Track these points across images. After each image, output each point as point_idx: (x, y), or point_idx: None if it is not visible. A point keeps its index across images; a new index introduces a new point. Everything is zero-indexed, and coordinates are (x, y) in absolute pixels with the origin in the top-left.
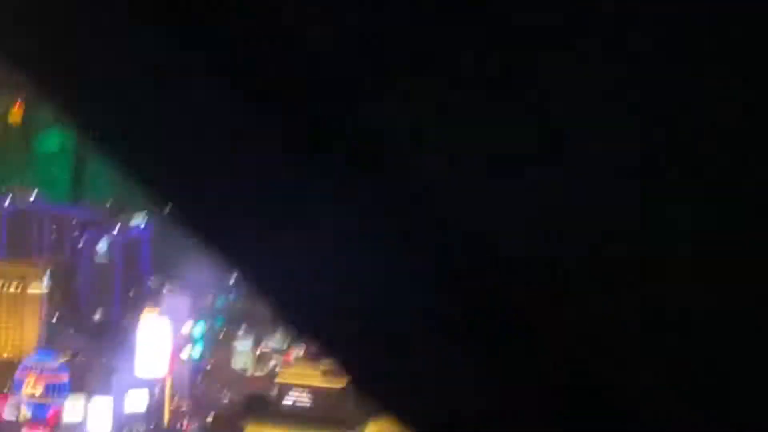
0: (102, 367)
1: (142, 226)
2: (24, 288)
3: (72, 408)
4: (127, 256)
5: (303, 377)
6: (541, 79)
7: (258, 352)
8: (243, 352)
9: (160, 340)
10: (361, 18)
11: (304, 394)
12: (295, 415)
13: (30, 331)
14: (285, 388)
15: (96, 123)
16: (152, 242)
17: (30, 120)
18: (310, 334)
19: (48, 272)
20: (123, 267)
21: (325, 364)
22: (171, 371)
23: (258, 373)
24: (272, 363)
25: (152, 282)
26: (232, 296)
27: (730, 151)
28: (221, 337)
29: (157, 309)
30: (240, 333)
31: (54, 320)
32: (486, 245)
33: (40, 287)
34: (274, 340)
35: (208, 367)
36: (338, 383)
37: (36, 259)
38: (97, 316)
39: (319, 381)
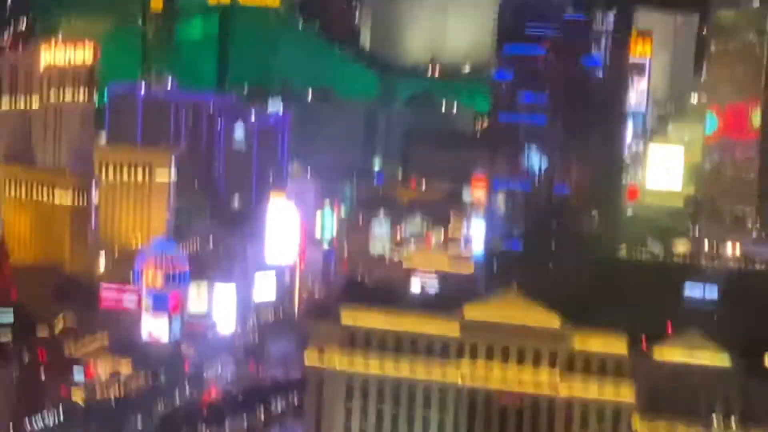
0: (227, 253)
1: (280, 112)
2: (150, 175)
3: (196, 296)
4: (264, 143)
5: (431, 263)
6: None
7: (397, 237)
8: (380, 237)
9: (288, 226)
10: None
11: (431, 279)
12: (392, 299)
13: (157, 219)
14: (411, 273)
15: None
16: (291, 128)
17: (172, 7)
18: None
19: (173, 159)
20: (260, 154)
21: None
22: (302, 258)
23: (396, 258)
24: (411, 248)
25: (292, 169)
26: (371, 182)
27: None
28: (360, 222)
29: (284, 193)
30: (378, 218)
31: (184, 208)
32: None
33: (167, 175)
34: (413, 224)
35: (345, 254)
36: (465, 269)
37: (167, 146)
38: (232, 203)
39: (447, 266)
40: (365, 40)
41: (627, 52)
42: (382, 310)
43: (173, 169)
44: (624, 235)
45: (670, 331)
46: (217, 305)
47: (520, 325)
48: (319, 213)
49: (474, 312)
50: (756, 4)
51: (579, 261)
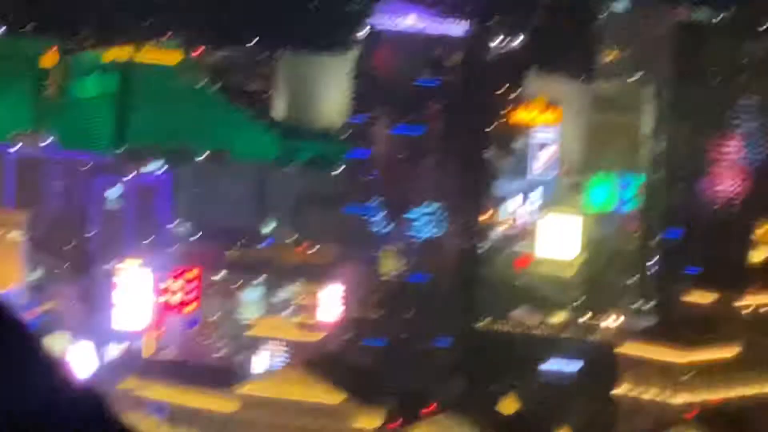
0: (80, 313)
1: (162, 171)
2: (4, 235)
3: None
4: (144, 203)
5: (276, 330)
6: None
7: (270, 302)
8: (251, 303)
9: (140, 291)
10: None
11: (281, 346)
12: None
13: (10, 277)
14: (260, 342)
15: None
16: (181, 189)
17: (66, 64)
18: None
19: (30, 219)
20: (138, 214)
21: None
22: (159, 324)
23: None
24: (284, 313)
25: (175, 228)
26: (258, 245)
27: None
28: (235, 286)
29: (139, 259)
30: (253, 283)
31: (44, 266)
32: None
33: (20, 235)
34: (288, 290)
35: (211, 319)
36: (313, 337)
37: (39, 205)
38: (99, 264)
39: (293, 334)
40: (271, 101)
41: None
42: (164, 382)
43: (29, 229)
44: (496, 305)
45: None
46: (74, 360)
47: (300, 401)
48: (192, 275)
49: (254, 387)
50: (635, 76)
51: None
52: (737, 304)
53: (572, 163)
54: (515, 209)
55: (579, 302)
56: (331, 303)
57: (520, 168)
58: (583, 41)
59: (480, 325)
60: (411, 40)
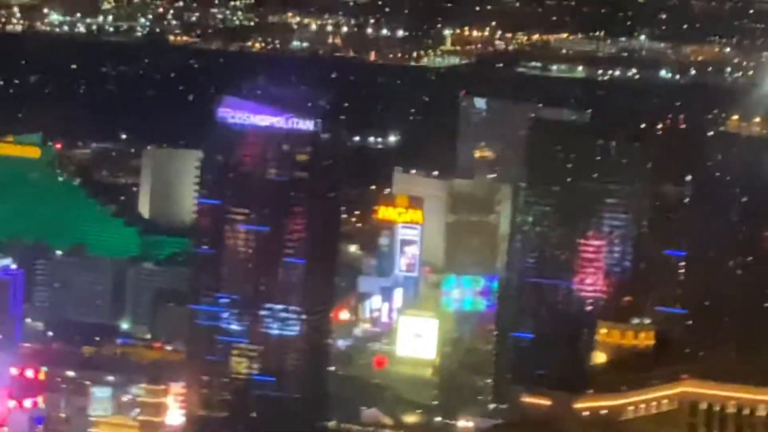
0: None
1: (14, 266)
2: None
3: None
4: None
5: (121, 430)
6: None
7: (120, 400)
8: (101, 399)
9: None
10: None
11: None
12: None
13: None
14: None
15: None
16: (34, 285)
17: None
18: None
19: None
20: None
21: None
22: (2, 421)
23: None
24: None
25: (28, 324)
26: (113, 342)
27: None
28: (81, 385)
29: None
30: (101, 383)
31: None
32: None
33: None
34: (137, 389)
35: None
36: None
37: None
38: None
39: None
40: (135, 197)
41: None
42: None
43: None
44: (350, 404)
45: None
46: None
47: None
48: (40, 372)
49: None
50: (492, 174)
51: None
52: (577, 406)
53: (433, 262)
54: (378, 307)
55: (434, 402)
56: (177, 402)
57: (385, 266)
58: (446, 140)
59: (330, 425)
60: (262, 135)
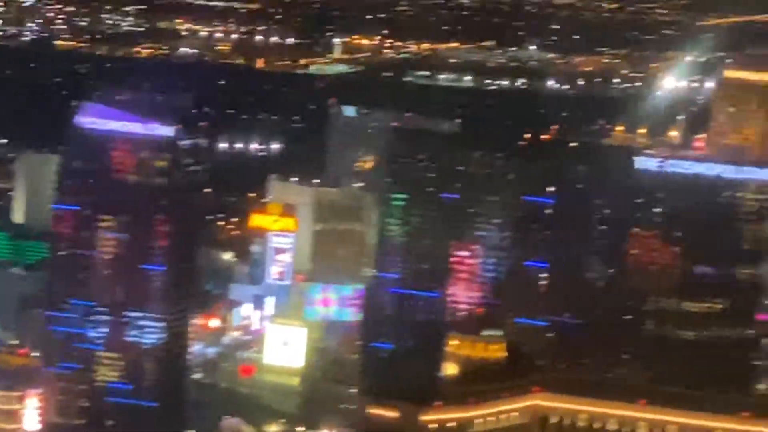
0: None
1: None
2: None
3: None
4: None
5: None
6: None
7: None
8: None
9: None
10: None
11: None
12: None
13: None
14: None
15: None
16: None
17: None
18: None
19: None
20: None
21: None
22: None
23: None
24: None
25: None
26: None
27: None
28: None
29: None
30: None
31: None
32: None
33: None
34: None
35: None
36: None
37: None
38: None
39: None
40: (10, 201)
41: None
42: None
43: None
44: (211, 414)
45: None
46: None
47: None
48: None
49: None
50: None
51: None
52: (423, 418)
53: (306, 270)
54: (248, 315)
55: (297, 412)
56: (33, 409)
57: (257, 273)
58: (318, 148)
59: None
60: (122, 141)
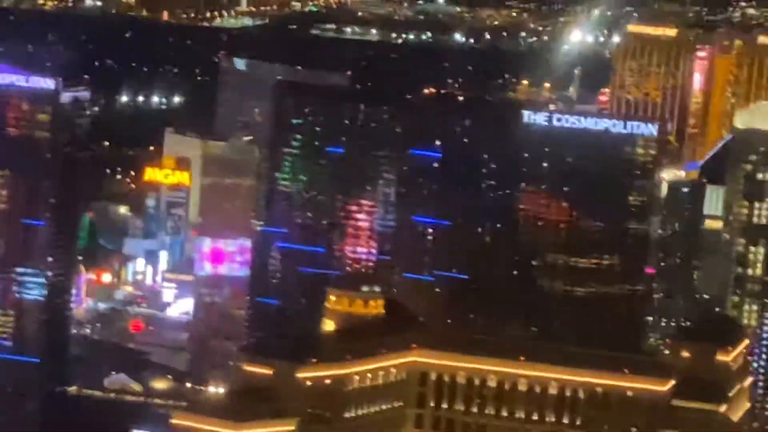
0: None
1: None
2: None
3: None
4: None
5: None
6: None
7: None
8: None
9: None
10: None
11: None
12: None
13: None
14: None
15: None
16: None
17: None
18: None
19: None
20: None
21: None
22: None
23: None
24: None
25: None
26: None
27: None
28: None
29: None
30: None
31: None
32: None
33: None
34: None
35: None
36: None
37: None
38: None
39: None
40: None
41: None
42: None
43: None
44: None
45: None
46: None
47: None
48: None
49: None
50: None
51: None
52: (299, 375)
53: (197, 225)
54: (142, 270)
55: (185, 369)
56: None
57: (151, 228)
58: (210, 102)
59: (70, 390)
60: (3, 94)
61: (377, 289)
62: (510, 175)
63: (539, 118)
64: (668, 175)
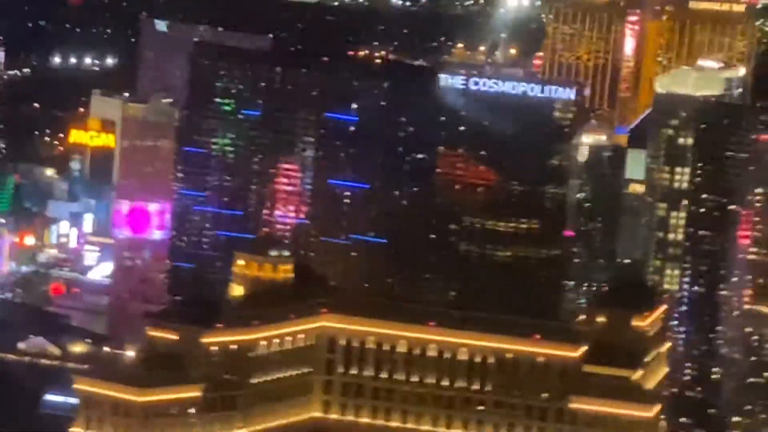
0: None
1: None
2: None
3: None
4: None
5: None
6: None
7: None
8: None
9: None
10: None
11: None
12: None
13: None
14: None
15: None
16: None
17: None
18: None
19: None
20: None
21: None
22: None
23: None
24: None
25: None
26: None
27: None
28: None
29: None
30: None
31: None
32: None
33: None
34: None
35: None
36: None
37: None
38: None
39: None
40: None
41: None
42: None
43: None
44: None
45: None
46: None
47: None
48: None
49: None
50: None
51: None
52: (204, 340)
53: (121, 187)
54: (66, 233)
55: (104, 332)
56: None
57: (76, 190)
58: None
59: None
60: None
61: (286, 253)
62: (427, 138)
63: (456, 82)
64: (590, 138)
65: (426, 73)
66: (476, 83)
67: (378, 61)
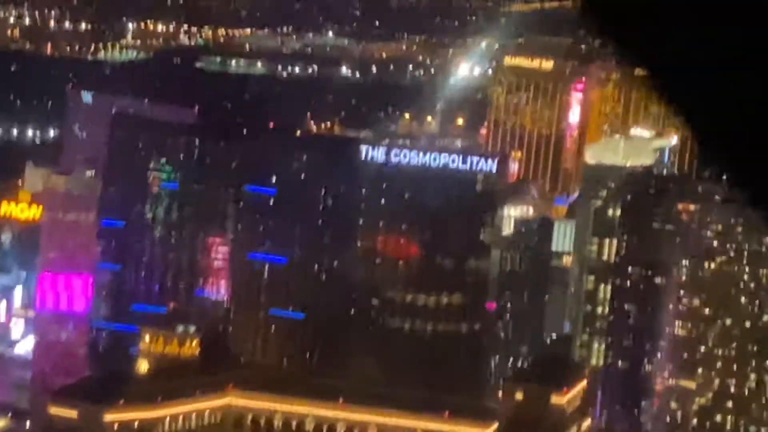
0: None
1: None
2: None
3: None
4: None
5: None
6: None
7: None
8: None
9: None
10: None
11: None
12: None
13: None
14: None
15: None
16: None
17: None
18: None
19: None
20: None
21: None
22: None
23: None
24: None
25: None
26: None
27: None
28: None
29: None
30: None
31: None
32: None
33: None
34: None
35: None
36: None
37: None
38: None
39: None
40: None
41: None
42: None
43: None
44: None
45: None
46: None
47: None
48: None
49: None
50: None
51: None
52: (107, 418)
53: (44, 259)
54: None
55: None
56: None
57: (6, 263)
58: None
59: None
60: None
61: (192, 328)
62: (348, 211)
63: (377, 154)
64: (516, 211)
65: (349, 145)
66: (396, 155)
67: (298, 133)
